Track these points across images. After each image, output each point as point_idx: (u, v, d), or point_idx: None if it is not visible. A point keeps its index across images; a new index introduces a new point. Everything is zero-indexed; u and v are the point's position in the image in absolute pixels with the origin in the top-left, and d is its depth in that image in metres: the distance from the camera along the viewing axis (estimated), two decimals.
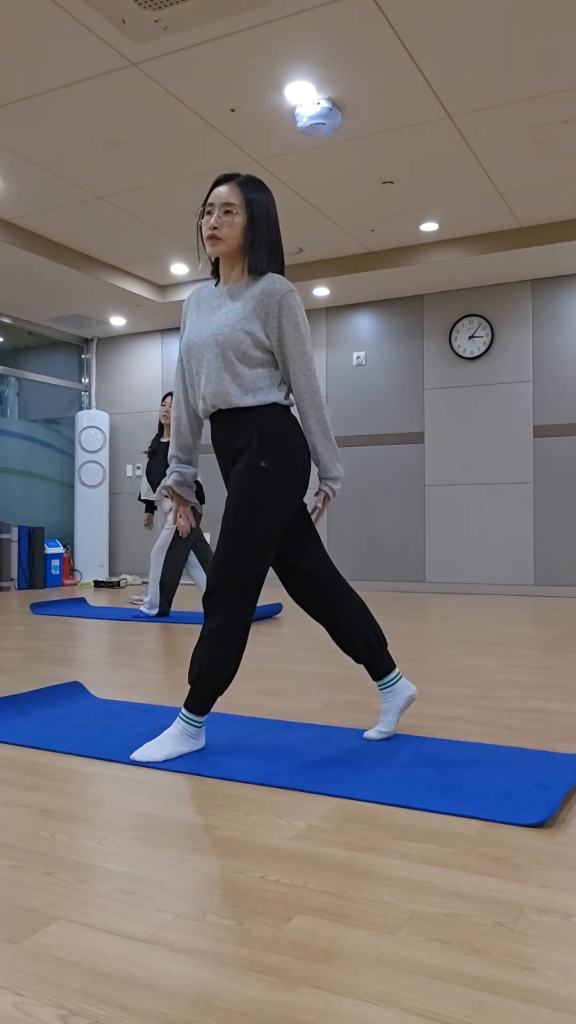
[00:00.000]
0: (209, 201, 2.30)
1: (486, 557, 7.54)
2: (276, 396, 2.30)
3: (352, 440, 8.13)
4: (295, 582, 2.42)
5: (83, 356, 9.63)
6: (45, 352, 9.63)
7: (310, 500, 7.91)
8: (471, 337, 7.59)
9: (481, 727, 2.61)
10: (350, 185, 5.66)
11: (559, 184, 5.64)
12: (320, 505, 2.46)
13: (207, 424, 9.54)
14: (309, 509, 5.90)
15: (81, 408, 9.65)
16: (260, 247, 2.30)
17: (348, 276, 7.22)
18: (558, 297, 7.29)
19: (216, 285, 2.39)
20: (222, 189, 2.29)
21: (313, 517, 2.46)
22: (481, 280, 7.39)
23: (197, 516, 5.62)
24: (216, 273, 2.42)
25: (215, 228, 2.27)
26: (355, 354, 8.11)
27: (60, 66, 4.14)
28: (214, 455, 8.76)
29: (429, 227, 6.45)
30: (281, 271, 2.38)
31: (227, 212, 2.26)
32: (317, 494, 2.47)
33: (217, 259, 2.40)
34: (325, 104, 4.53)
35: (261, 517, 2.24)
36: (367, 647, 2.43)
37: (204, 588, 5.65)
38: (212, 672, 2.22)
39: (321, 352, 8.27)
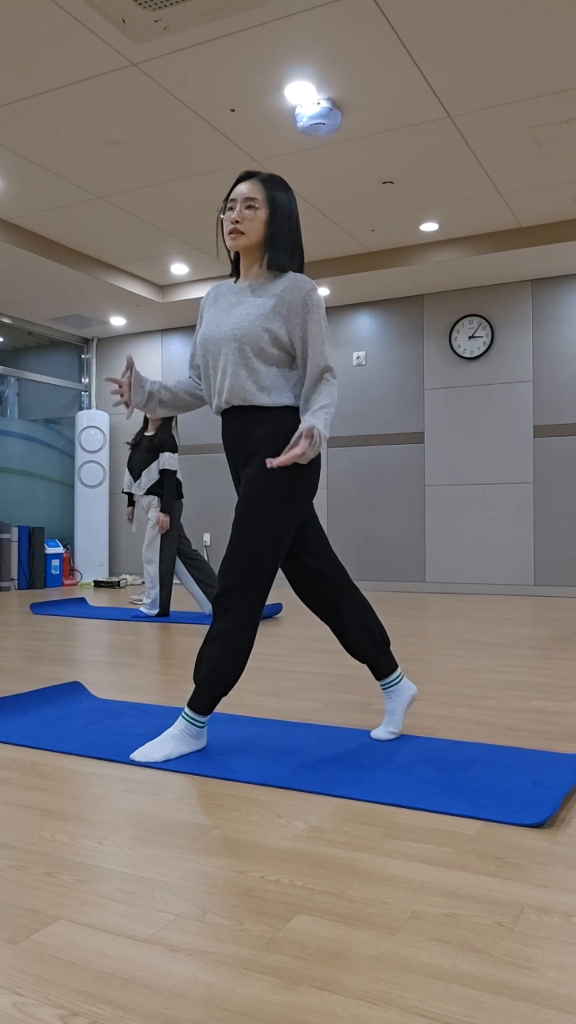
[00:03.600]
0: (231, 196, 2.31)
1: (486, 557, 7.54)
2: (289, 399, 2.29)
3: (352, 440, 8.13)
4: (303, 579, 2.42)
5: (83, 356, 9.63)
6: (45, 352, 9.63)
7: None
8: (471, 337, 7.59)
9: (481, 727, 2.61)
10: (350, 185, 5.66)
11: (559, 184, 5.64)
12: (302, 439, 2.16)
13: (203, 421, 9.53)
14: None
15: (81, 408, 9.65)
16: (281, 243, 2.30)
17: (348, 276, 7.22)
18: (558, 297, 7.28)
19: (235, 282, 2.39)
20: (244, 185, 2.29)
21: (285, 450, 2.21)
22: (481, 280, 7.39)
23: (178, 509, 5.63)
24: (236, 271, 2.42)
25: (237, 222, 2.27)
26: (355, 354, 8.11)
27: (60, 66, 4.14)
28: (203, 452, 8.75)
29: (429, 227, 6.45)
30: (301, 270, 2.38)
31: (249, 207, 2.27)
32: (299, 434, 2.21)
33: (237, 257, 2.40)
34: (325, 104, 4.53)
35: (273, 519, 2.23)
36: (372, 645, 2.44)
37: (190, 589, 5.68)
38: (219, 673, 2.22)
39: None
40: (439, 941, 1.28)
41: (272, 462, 2.13)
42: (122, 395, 2.34)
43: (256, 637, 3.47)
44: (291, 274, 2.30)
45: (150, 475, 5.62)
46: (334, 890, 1.46)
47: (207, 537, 8.79)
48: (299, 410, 2.32)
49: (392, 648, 4.26)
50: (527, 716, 2.75)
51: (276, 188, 2.31)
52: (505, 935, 1.29)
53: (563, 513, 7.24)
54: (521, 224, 6.43)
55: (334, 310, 8.22)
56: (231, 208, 2.30)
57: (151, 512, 5.63)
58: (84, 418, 9.15)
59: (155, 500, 5.62)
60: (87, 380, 9.63)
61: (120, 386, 2.34)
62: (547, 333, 7.33)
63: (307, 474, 2.29)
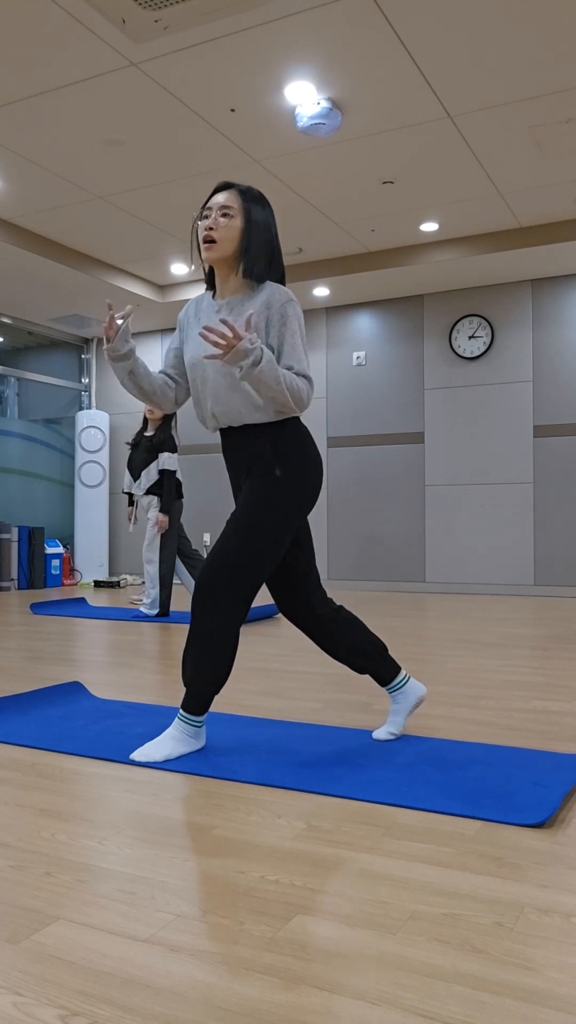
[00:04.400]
0: (207, 205, 2.28)
1: (486, 557, 7.54)
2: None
3: (352, 440, 8.13)
4: (287, 597, 2.38)
5: (83, 356, 9.63)
6: (45, 352, 9.63)
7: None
8: (471, 337, 7.59)
9: (481, 727, 2.61)
10: (350, 185, 5.66)
11: (559, 184, 5.64)
12: (235, 331, 2.03)
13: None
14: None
15: (81, 408, 9.65)
16: (256, 252, 2.26)
17: (348, 276, 7.22)
18: (558, 297, 7.28)
19: (213, 297, 2.36)
20: (221, 195, 2.27)
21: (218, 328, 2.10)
22: (481, 280, 7.39)
23: (178, 509, 5.64)
24: (212, 283, 2.38)
25: (211, 229, 2.24)
26: (355, 354, 8.10)
27: (60, 66, 4.14)
28: (203, 452, 8.74)
29: (429, 227, 6.45)
30: (281, 280, 2.34)
31: (224, 215, 2.24)
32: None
33: (212, 269, 2.36)
34: (325, 104, 4.53)
35: (270, 523, 2.22)
36: (365, 658, 2.41)
37: (190, 589, 5.68)
38: (207, 672, 2.21)
39: (321, 352, 8.27)
40: (439, 941, 1.28)
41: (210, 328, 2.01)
42: (109, 336, 2.24)
43: (255, 637, 3.46)
44: (268, 285, 2.26)
45: (150, 475, 5.62)
46: (334, 890, 1.46)
47: (207, 537, 8.79)
48: (298, 419, 2.31)
49: (393, 649, 4.26)
50: (527, 716, 2.75)
51: (253, 200, 2.28)
52: (505, 935, 1.29)
53: (563, 513, 7.25)
54: (521, 224, 6.43)
55: (334, 310, 8.22)
56: (206, 216, 2.27)
57: (151, 512, 5.63)
58: (84, 418, 9.15)
59: (155, 500, 5.62)
60: (87, 380, 9.63)
61: (112, 323, 2.23)
62: (547, 333, 7.33)
63: (309, 486, 2.28)
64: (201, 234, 2.26)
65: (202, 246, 2.26)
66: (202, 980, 1.16)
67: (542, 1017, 1.08)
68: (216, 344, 2.04)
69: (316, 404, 8.29)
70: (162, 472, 5.58)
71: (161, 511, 5.51)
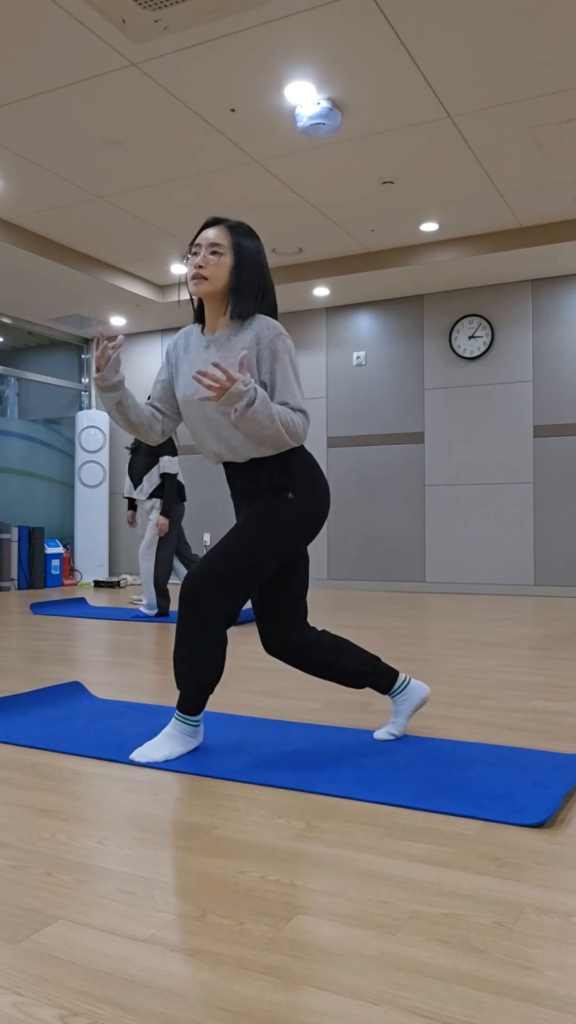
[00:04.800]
0: (196, 242, 2.26)
1: (486, 557, 7.54)
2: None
3: (352, 440, 8.13)
4: (271, 635, 2.34)
5: (83, 356, 9.63)
6: (45, 352, 9.63)
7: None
8: (471, 337, 7.59)
9: (481, 727, 2.61)
10: (350, 185, 5.66)
11: (559, 184, 5.64)
12: (229, 375, 2.04)
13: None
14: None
15: (81, 408, 9.65)
16: (246, 291, 2.24)
17: (348, 276, 7.22)
18: (558, 297, 7.28)
19: (203, 331, 2.34)
20: (210, 231, 2.25)
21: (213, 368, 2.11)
22: (481, 280, 7.39)
23: (179, 513, 5.64)
24: (200, 317, 2.37)
25: (200, 267, 2.22)
26: (355, 354, 8.10)
27: (60, 66, 4.14)
28: (200, 453, 8.79)
29: (429, 227, 6.45)
30: (273, 312, 2.32)
31: (214, 252, 2.23)
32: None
33: (201, 303, 2.35)
34: (325, 104, 4.53)
35: (272, 538, 2.21)
36: (356, 676, 2.39)
37: None
38: (195, 674, 2.21)
39: (321, 352, 8.27)
40: (439, 941, 1.28)
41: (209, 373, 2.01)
42: (99, 365, 2.22)
43: (255, 638, 3.44)
44: (257, 319, 2.24)
45: (151, 479, 5.63)
46: (334, 890, 1.46)
47: (207, 537, 8.79)
48: (303, 448, 2.30)
49: (392, 650, 4.26)
50: (527, 716, 2.75)
51: (242, 234, 2.26)
52: (505, 935, 1.29)
53: (563, 513, 7.24)
54: (521, 224, 6.43)
55: (334, 310, 8.22)
56: (195, 253, 2.25)
57: (152, 514, 5.64)
58: (84, 418, 9.15)
59: (157, 503, 5.63)
60: (87, 380, 9.63)
61: (104, 352, 2.21)
62: (547, 333, 7.33)
63: (316, 509, 2.28)
64: (190, 271, 2.24)
65: (190, 282, 2.24)
66: (202, 980, 1.16)
67: (542, 1017, 1.08)
68: (210, 387, 2.03)
69: (316, 404, 8.29)
70: (163, 476, 5.59)
71: (162, 514, 5.51)
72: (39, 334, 9.13)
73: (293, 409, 2.19)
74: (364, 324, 8.08)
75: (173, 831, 1.74)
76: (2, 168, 5.35)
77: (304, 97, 4.48)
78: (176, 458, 5.63)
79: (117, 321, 8.69)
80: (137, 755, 2.23)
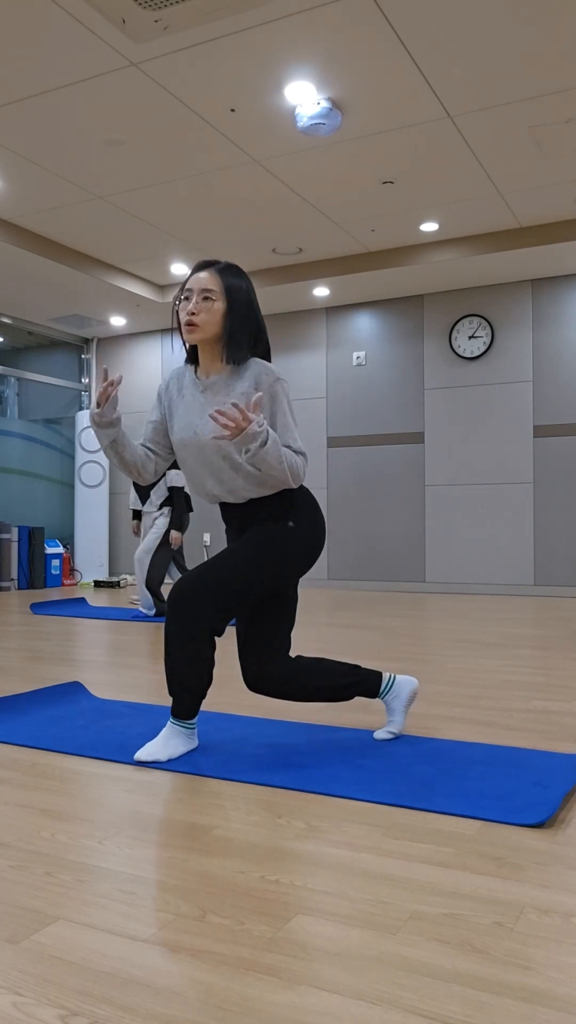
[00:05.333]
0: (187, 287, 2.25)
1: (486, 557, 7.54)
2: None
3: (352, 440, 8.13)
4: (249, 665, 2.31)
5: (83, 356, 9.63)
6: (45, 352, 9.63)
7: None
8: (471, 337, 7.59)
9: (481, 727, 2.61)
10: (350, 185, 5.66)
11: (559, 184, 5.64)
12: (243, 414, 2.03)
13: None
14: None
15: (81, 408, 9.65)
16: (240, 336, 2.24)
17: (348, 276, 7.22)
18: (558, 297, 7.28)
19: (196, 372, 2.34)
20: (202, 275, 2.24)
21: (228, 409, 2.06)
22: (481, 280, 7.39)
23: (184, 525, 5.70)
24: (193, 358, 2.36)
25: (193, 314, 2.21)
26: (355, 354, 8.10)
27: (60, 66, 4.14)
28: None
29: (429, 227, 6.45)
30: (266, 354, 2.33)
31: (206, 298, 2.21)
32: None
33: (193, 346, 2.35)
34: (325, 104, 4.53)
35: (268, 561, 2.22)
36: (344, 690, 2.37)
37: None
38: (183, 683, 2.21)
39: (321, 352, 8.27)
40: (439, 941, 1.28)
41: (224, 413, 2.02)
42: (100, 402, 2.22)
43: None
44: (253, 363, 2.25)
45: (159, 492, 5.70)
46: (334, 890, 1.46)
47: (207, 537, 8.79)
48: (301, 484, 2.31)
49: (392, 649, 4.26)
50: (527, 716, 2.75)
51: (233, 276, 2.25)
52: (505, 935, 1.29)
53: (563, 513, 7.25)
54: (521, 224, 6.43)
55: (334, 310, 8.22)
56: (187, 299, 2.24)
57: (160, 520, 5.68)
58: (84, 418, 9.15)
59: (166, 510, 5.68)
60: (87, 380, 9.63)
61: (107, 389, 2.22)
62: (547, 333, 7.33)
63: (315, 544, 2.29)
64: (183, 318, 2.23)
65: (183, 329, 2.23)
66: (202, 980, 1.16)
67: (542, 1017, 1.08)
68: (226, 426, 2.04)
69: (316, 404, 8.29)
70: (171, 489, 5.64)
71: (173, 526, 5.57)
72: (39, 334, 9.13)
73: (295, 452, 2.23)
74: (364, 324, 8.08)
75: (173, 831, 1.74)
76: (2, 168, 5.35)
77: (304, 97, 4.48)
78: (181, 470, 5.67)
79: (117, 321, 8.69)
80: (142, 755, 2.23)
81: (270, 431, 2.10)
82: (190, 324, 2.21)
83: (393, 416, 7.95)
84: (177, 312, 2.27)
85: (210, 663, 2.22)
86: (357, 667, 2.41)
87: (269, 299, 7.92)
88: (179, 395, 2.35)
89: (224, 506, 2.37)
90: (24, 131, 4.85)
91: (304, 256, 7.19)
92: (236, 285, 2.25)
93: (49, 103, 4.52)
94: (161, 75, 4.23)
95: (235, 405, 2.03)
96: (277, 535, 2.24)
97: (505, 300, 7.48)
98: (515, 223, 6.40)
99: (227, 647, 4.21)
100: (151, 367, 9.19)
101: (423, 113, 4.66)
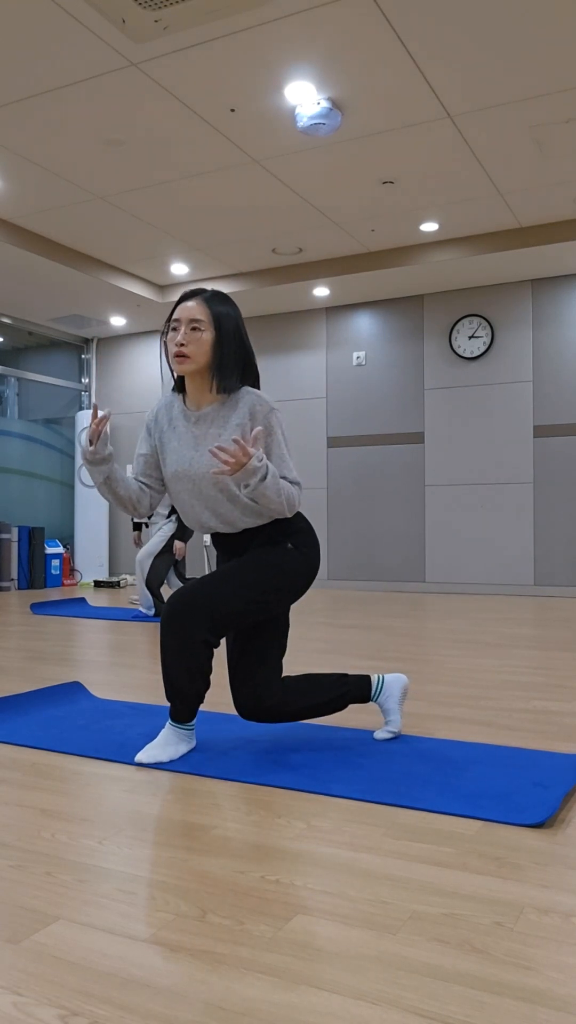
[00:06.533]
0: (175, 317, 2.23)
1: (486, 557, 7.54)
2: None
3: (352, 440, 8.13)
4: (240, 691, 2.29)
5: (83, 356, 9.63)
6: (45, 352, 9.63)
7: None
8: (471, 337, 7.59)
9: (481, 727, 2.61)
10: (350, 185, 5.66)
11: (559, 184, 5.64)
12: (245, 448, 2.04)
13: None
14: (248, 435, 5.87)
15: (81, 408, 9.65)
16: (229, 365, 2.23)
17: (348, 276, 7.22)
18: (558, 297, 7.28)
19: (186, 403, 2.32)
20: (189, 304, 2.22)
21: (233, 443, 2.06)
22: (481, 280, 7.39)
23: (188, 535, 5.73)
24: (181, 387, 2.35)
25: (182, 345, 2.19)
26: (355, 354, 8.10)
27: (60, 66, 4.14)
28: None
29: (429, 227, 6.45)
30: (255, 383, 2.32)
31: (194, 329, 2.20)
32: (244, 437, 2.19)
33: (181, 377, 2.34)
34: (325, 104, 4.53)
35: (267, 580, 2.21)
36: (336, 701, 2.37)
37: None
38: (178, 690, 2.20)
39: (321, 352, 8.27)
40: (439, 941, 1.28)
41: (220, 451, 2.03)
42: (92, 440, 2.21)
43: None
44: (246, 393, 2.24)
45: (166, 502, 5.71)
46: (334, 890, 1.46)
47: (207, 538, 8.79)
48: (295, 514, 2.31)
49: (392, 649, 4.26)
50: (527, 716, 2.75)
51: (220, 304, 2.23)
52: (505, 935, 1.29)
53: (563, 513, 7.25)
54: (521, 224, 6.43)
55: (334, 310, 8.22)
56: (175, 329, 2.22)
57: (166, 527, 5.71)
58: (84, 418, 9.15)
59: (174, 517, 5.71)
60: (87, 380, 9.63)
61: (99, 426, 2.20)
62: (547, 333, 7.33)
63: (310, 568, 2.30)
64: (172, 350, 2.21)
65: (173, 360, 2.22)
66: (202, 980, 1.16)
67: (542, 1017, 1.08)
68: (226, 462, 2.03)
69: (316, 404, 8.29)
70: None
71: (179, 538, 5.62)
72: (39, 334, 9.13)
73: (291, 482, 2.23)
74: (364, 324, 8.08)
75: (173, 831, 1.74)
76: (2, 168, 5.35)
77: (304, 97, 4.48)
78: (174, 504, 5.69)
79: (117, 321, 8.69)
80: (143, 757, 2.22)
81: (269, 465, 2.10)
82: (180, 355, 2.19)
83: (393, 416, 7.95)
84: (165, 343, 2.25)
85: (207, 672, 2.21)
86: (344, 675, 2.41)
87: (269, 299, 7.92)
88: (170, 427, 2.33)
89: (220, 538, 2.36)
90: (24, 131, 4.85)
91: (304, 256, 7.19)
92: (224, 313, 2.23)
93: (49, 103, 4.52)
94: (161, 75, 4.23)
95: (236, 441, 2.03)
96: (276, 556, 2.25)
97: (505, 300, 7.48)
98: (515, 223, 6.40)
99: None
100: (151, 367, 9.19)
101: (423, 113, 4.66)
